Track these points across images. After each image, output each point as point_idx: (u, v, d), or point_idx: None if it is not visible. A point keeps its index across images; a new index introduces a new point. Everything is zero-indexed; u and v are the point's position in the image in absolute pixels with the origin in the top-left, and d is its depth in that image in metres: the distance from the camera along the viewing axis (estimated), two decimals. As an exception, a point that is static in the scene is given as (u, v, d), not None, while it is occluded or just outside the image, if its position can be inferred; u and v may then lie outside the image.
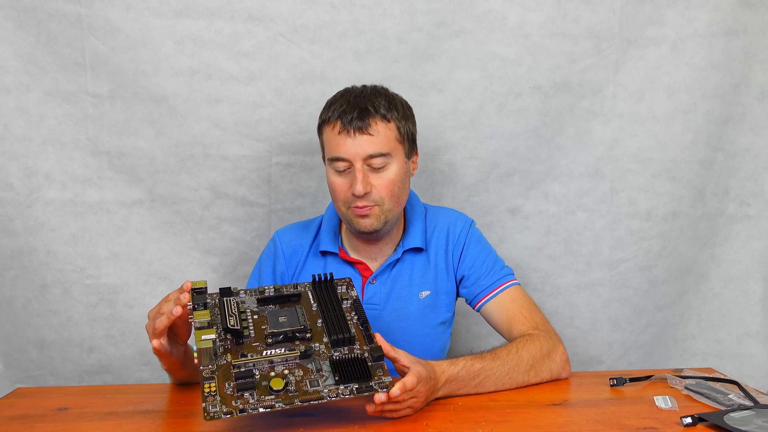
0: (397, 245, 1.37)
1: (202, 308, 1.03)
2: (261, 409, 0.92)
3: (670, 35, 1.64)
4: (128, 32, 1.50)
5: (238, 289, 1.12)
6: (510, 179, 1.71)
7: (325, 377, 0.98)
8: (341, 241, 1.39)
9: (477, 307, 1.37)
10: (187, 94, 1.55)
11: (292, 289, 1.13)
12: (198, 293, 1.05)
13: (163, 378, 1.67)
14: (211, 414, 0.91)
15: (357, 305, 1.11)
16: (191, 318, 1.02)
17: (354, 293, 1.14)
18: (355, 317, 1.09)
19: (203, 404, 0.92)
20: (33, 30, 1.48)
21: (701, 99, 1.67)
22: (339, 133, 1.24)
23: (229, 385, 0.95)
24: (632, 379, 1.22)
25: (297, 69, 1.58)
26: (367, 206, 1.25)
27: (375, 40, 1.59)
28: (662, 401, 1.10)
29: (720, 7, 1.62)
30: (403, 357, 1.05)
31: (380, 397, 0.96)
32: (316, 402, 0.95)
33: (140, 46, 1.51)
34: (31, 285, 1.58)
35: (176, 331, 1.09)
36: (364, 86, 1.31)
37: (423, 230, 1.38)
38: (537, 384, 1.22)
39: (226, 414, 0.91)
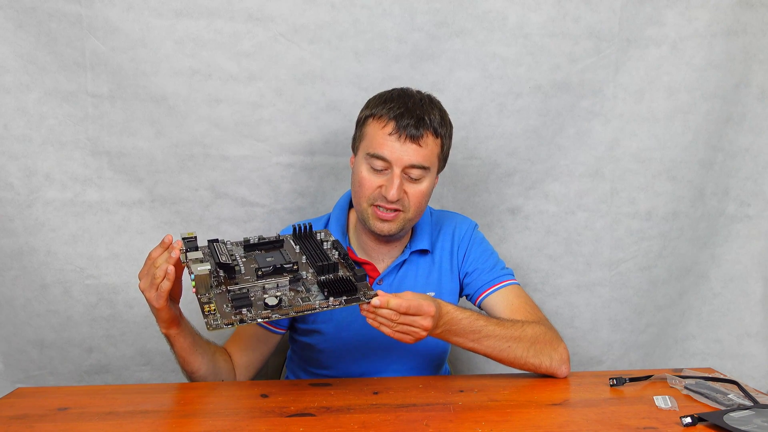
0: (405, 247, 1.38)
1: (194, 251, 1.11)
2: (259, 320, 0.99)
3: (670, 35, 1.64)
4: (128, 32, 1.50)
5: (225, 240, 1.20)
6: (510, 179, 1.71)
7: (315, 295, 1.06)
8: (348, 240, 1.40)
9: (478, 301, 1.37)
10: (187, 94, 1.55)
11: (274, 238, 1.21)
12: (189, 242, 1.12)
13: (163, 378, 1.68)
14: (213, 326, 0.97)
15: (337, 245, 1.19)
16: (185, 262, 1.07)
17: (332, 238, 1.21)
18: (336, 253, 1.17)
19: (205, 320, 0.98)
20: (33, 30, 1.48)
21: (701, 99, 1.67)
22: (390, 133, 1.24)
23: (227, 305, 1.01)
24: (632, 379, 1.22)
25: (297, 69, 1.58)
26: (391, 212, 1.26)
27: (375, 40, 1.58)
28: (662, 401, 1.10)
29: (720, 7, 1.63)
30: (409, 294, 1.08)
31: (375, 301, 1.03)
32: (310, 312, 1.02)
33: (140, 46, 1.51)
34: (31, 285, 1.57)
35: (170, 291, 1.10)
36: (419, 92, 1.32)
37: (430, 232, 1.40)
38: (533, 369, 1.22)
39: (227, 325, 0.97)
